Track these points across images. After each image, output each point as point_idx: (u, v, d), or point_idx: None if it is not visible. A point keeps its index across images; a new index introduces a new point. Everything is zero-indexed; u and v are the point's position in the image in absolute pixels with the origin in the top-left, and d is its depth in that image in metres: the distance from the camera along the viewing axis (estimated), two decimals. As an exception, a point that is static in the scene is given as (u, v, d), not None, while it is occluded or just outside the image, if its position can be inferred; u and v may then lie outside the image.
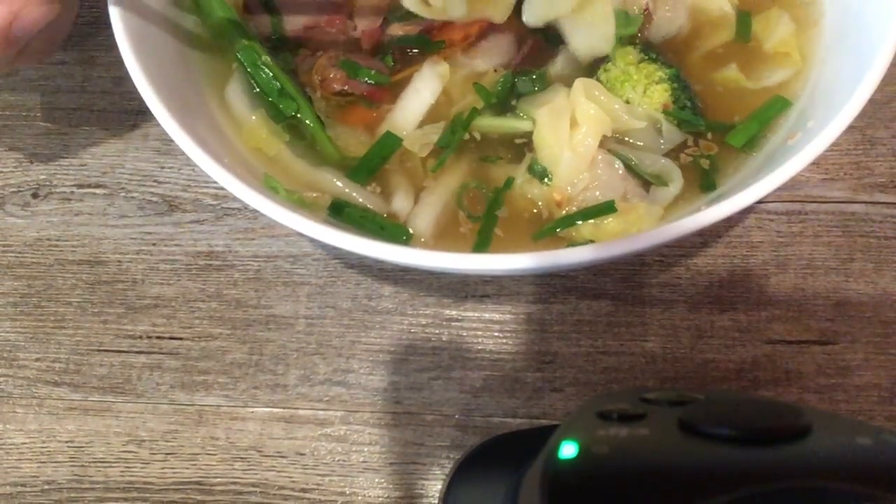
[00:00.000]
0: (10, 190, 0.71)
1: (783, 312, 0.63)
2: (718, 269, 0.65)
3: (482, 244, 0.57)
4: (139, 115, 0.73)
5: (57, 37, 0.59)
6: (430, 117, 0.61)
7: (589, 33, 0.61)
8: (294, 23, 0.65)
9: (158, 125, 0.51)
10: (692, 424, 0.33)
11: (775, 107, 0.59)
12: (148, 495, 0.61)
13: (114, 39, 0.53)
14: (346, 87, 0.62)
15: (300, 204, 0.57)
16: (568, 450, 0.32)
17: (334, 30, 0.64)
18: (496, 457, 0.56)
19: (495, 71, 0.62)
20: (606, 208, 0.56)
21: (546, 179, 0.58)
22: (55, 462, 0.62)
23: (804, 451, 0.31)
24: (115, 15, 0.54)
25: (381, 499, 0.60)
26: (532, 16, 0.62)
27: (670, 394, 0.37)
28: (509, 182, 0.59)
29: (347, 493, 0.60)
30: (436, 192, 0.59)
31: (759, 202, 0.54)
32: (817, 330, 0.63)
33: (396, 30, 0.64)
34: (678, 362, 0.62)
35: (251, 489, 0.61)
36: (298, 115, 0.61)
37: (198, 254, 0.68)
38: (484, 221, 0.58)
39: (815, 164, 0.61)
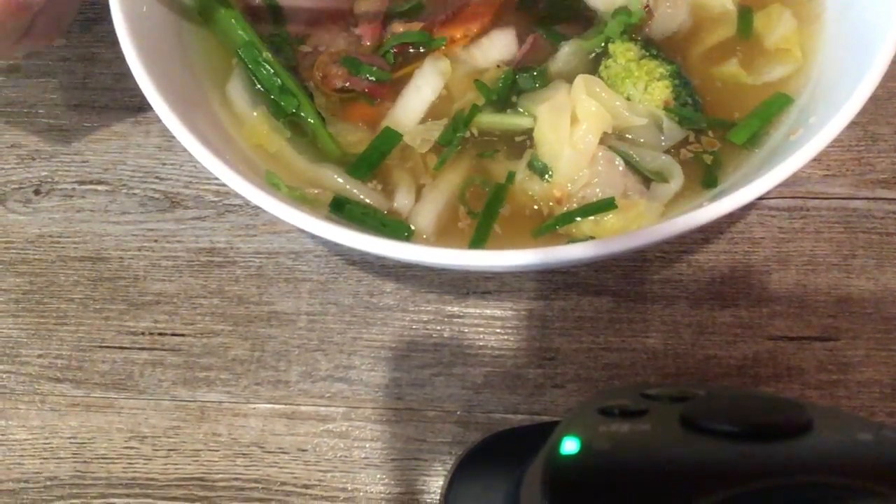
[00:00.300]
0: (11, 186, 0.71)
1: (785, 309, 0.63)
2: (720, 266, 0.65)
3: (479, 240, 0.57)
4: (140, 111, 0.73)
5: (63, 18, 0.59)
6: (431, 114, 0.61)
7: None
8: (296, 17, 0.65)
9: (160, 122, 0.51)
10: (693, 420, 0.33)
11: (777, 103, 0.59)
12: (150, 491, 0.61)
13: (115, 36, 0.53)
14: (347, 84, 0.62)
15: (302, 200, 0.57)
16: (569, 446, 0.32)
17: (336, 26, 0.64)
18: (498, 453, 0.56)
19: (497, 67, 0.62)
20: (607, 205, 0.56)
21: (546, 176, 0.58)
22: (58, 458, 0.63)
23: (805, 447, 0.31)
24: (116, 11, 0.54)
25: (382, 495, 0.60)
26: None
27: (671, 390, 0.37)
28: (510, 177, 0.59)
29: (349, 489, 0.61)
30: (437, 189, 0.59)
31: (761, 198, 0.53)
32: (819, 326, 0.63)
33: (398, 27, 0.64)
34: (679, 358, 0.62)
35: (253, 485, 0.61)
36: (299, 112, 0.61)
37: (199, 250, 0.68)
38: (482, 217, 0.58)
39: (817, 160, 0.61)
